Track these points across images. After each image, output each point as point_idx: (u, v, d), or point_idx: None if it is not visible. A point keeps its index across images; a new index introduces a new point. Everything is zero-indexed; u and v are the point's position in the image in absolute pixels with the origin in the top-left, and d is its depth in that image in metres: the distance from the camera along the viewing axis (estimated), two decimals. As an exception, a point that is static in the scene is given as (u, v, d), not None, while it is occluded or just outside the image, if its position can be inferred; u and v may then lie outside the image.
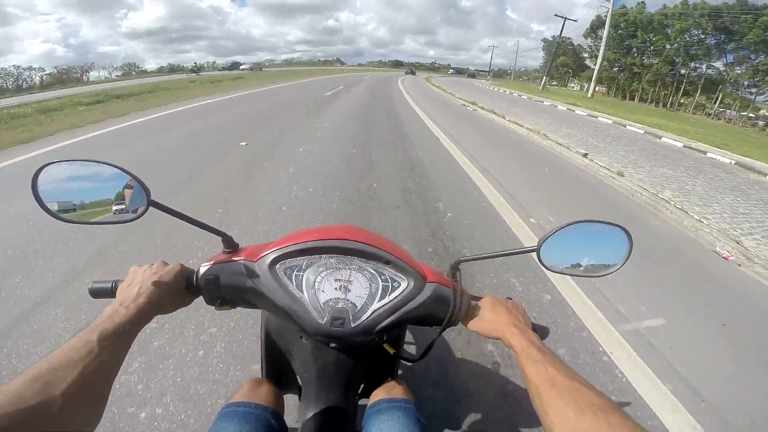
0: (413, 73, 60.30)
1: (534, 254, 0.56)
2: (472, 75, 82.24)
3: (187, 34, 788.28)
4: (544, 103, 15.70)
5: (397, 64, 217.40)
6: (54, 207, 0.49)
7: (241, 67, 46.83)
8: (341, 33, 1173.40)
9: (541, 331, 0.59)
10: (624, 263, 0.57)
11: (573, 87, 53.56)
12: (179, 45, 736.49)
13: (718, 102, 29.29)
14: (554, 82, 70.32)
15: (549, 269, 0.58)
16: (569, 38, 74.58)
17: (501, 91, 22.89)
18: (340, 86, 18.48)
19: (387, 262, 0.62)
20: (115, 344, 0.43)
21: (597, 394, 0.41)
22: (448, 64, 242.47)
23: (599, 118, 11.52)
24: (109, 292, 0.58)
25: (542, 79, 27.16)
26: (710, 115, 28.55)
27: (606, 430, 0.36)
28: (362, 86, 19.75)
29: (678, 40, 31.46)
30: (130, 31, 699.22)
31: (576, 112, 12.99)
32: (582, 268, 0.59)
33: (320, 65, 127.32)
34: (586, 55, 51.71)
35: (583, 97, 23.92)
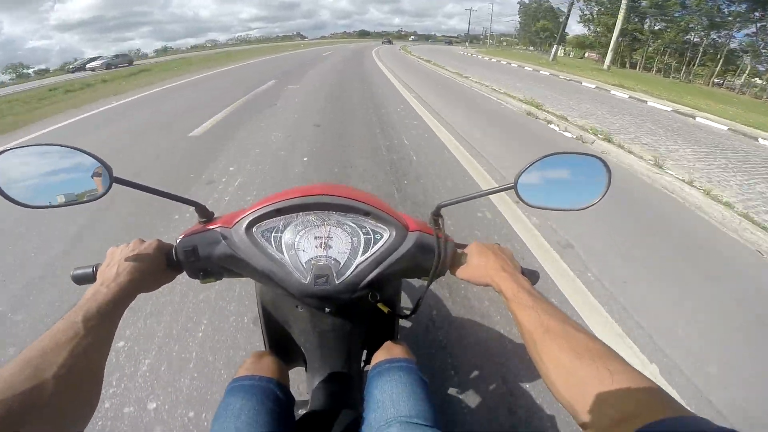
0: (390, 42, 58.62)
1: (513, 191, 0.53)
2: (449, 42, 76.16)
3: (127, 21, 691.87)
4: (584, 84, 10.96)
5: (364, 34, 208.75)
6: (61, 200, 0.49)
7: (89, 66, 27.67)
8: (299, 7, 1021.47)
9: (530, 276, 0.57)
10: (604, 194, 0.54)
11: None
12: (120, 33, 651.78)
13: (746, 74, 25.88)
14: (531, 48, 65.47)
15: (528, 204, 0.55)
16: (547, 1, 69.29)
17: (504, 63, 17.81)
18: (268, 82, 9.23)
19: (366, 214, 0.58)
20: (101, 324, 0.42)
21: (592, 339, 0.39)
22: (414, 32, 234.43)
23: (698, 119, 6.97)
24: (91, 277, 0.55)
25: (553, 47, 22.10)
26: (731, 88, 25.09)
27: (607, 377, 0.33)
28: (315, 74, 11.23)
29: (699, 6, 27.14)
30: (60, 23, 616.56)
31: (650, 104, 8.32)
32: (561, 202, 0.57)
33: (278, 41, 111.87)
34: (576, 19, 46.79)
35: (597, 69, 19.52)
